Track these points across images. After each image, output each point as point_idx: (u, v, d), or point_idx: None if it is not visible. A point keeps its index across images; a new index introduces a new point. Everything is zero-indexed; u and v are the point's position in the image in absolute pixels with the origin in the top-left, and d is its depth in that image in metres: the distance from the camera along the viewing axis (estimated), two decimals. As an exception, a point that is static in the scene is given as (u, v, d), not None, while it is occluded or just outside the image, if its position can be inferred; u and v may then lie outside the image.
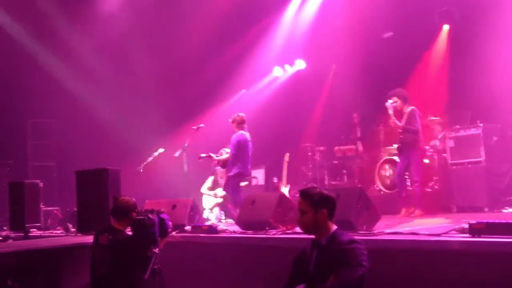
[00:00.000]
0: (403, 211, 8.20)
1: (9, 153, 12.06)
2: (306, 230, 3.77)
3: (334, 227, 3.69)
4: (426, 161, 9.11)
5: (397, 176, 8.56)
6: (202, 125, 9.41)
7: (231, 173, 8.96)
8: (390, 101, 8.35)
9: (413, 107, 8.38)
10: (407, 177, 9.15)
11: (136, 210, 5.22)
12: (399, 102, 8.41)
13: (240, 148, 8.94)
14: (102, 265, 4.96)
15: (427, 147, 9.69)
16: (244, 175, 9.06)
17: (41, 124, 13.21)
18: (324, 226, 3.67)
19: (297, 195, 3.96)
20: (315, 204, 3.67)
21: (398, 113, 8.46)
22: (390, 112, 8.35)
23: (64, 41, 12.13)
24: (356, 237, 3.73)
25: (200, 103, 12.35)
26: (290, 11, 13.10)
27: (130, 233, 5.20)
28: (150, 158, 10.93)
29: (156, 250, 4.95)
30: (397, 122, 8.39)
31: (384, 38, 11.49)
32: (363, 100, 11.12)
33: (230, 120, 9.13)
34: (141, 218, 4.95)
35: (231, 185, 8.99)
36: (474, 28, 9.46)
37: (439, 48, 10.74)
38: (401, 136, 8.40)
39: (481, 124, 8.59)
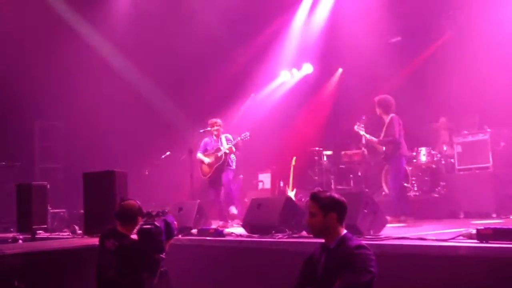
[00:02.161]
0: (402, 218, 8.19)
1: (17, 155, 12.10)
2: (314, 233, 3.76)
3: (344, 231, 3.68)
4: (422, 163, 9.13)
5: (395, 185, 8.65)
6: (209, 128, 9.43)
7: (234, 167, 9.12)
8: (356, 127, 8.67)
9: (393, 115, 8.38)
10: (407, 185, 9.18)
11: (142, 214, 5.22)
12: (378, 110, 8.52)
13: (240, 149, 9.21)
14: (108, 270, 4.95)
15: (434, 152, 9.69)
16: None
17: (48, 126, 13.25)
18: (333, 230, 3.66)
19: (307, 198, 3.96)
20: (325, 208, 3.66)
21: (382, 122, 8.55)
22: (362, 133, 8.65)
23: (71, 43, 12.16)
24: (364, 242, 3.72)
25: (207, 106, 12.36)
26: (298, 16, 13.13)
27: (135, 236, 5.20)
28: (157, 161, 11.00)
29: (163, 255, 4.96)
30: (372, 138, 8.55)
31: (392, 43, 11.48)
32: (371, 104, 11.10)
33: (219, 124, 9.34)
34: (148, 227, 4.95)
35: (232, 180, 9.18)
36: (481, 32, 9.43)
37: (445, 53, 10.70)
38: (384, 148, 8.47)
39: (489, 130, 8.57)
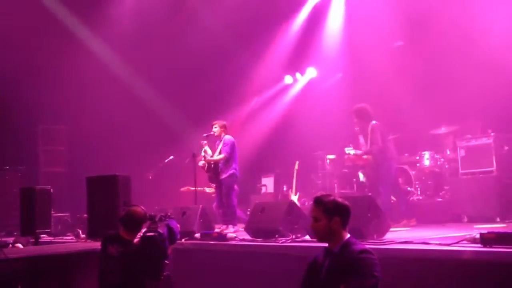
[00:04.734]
0: (404, 222, 8.24)
1: (21, 159, 12.12)
2: (318, 238, 3.76)
3: (348, 235, 3.68)
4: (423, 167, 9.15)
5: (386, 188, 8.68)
6: (212, 132, 9.43)
7: (226, 174, 8.97)
8: (346, 149, 8.97)
9: (373, 123, 8.51)
10: (410, 189, 9.18)
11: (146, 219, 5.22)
12: (358, 121, 8.69)
13: (233, 150, 9.05)
14: (111, 275, 4.95)
15: (437, 156, 9.67)
16: (237, 176, 9.12)
17: (52, 131, 13.28)
18: (337, 234, 3.66)
19: (310, 202, 3.97)
20: (329, 212, 3.65)
21: (365, 132, 8.67)
22: (352, 153, 8.91)
23: (75, 46, 12.21)
24: (368, 246, 3.71)
25: (211, 110, 12.39)
26: (302, 20, 13.15)
27: (137, 239, 5.20)
28: (160, 165, 11.02)
29: (166, 261, 4.97)
30: (357, 151, 8.84)
31: (395, 47, 11.48)
32: (374, 109, 11.10)
33: (216, 126, 9.16)
34: (151, 235, 4.95)
35: (229, 185, 9.00)
36: (484, 36, 9.42)
37: (448, 57, 10.69)
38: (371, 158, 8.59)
39: (493, 134, 8.54)
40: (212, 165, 9.03)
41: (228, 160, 8.97)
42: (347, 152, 8.83)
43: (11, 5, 11.44)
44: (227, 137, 9.11)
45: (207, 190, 10.71)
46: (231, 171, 8.97)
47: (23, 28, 11.58)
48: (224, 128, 9.21)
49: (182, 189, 10.57)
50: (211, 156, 9.07)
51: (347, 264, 3.48)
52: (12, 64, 11.65)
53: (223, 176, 8.97)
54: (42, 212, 8.91)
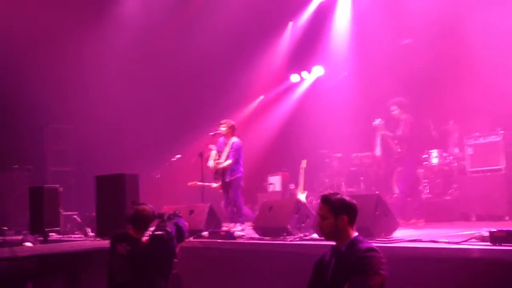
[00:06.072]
0: (412, 221, 8.25)
1: (29, 159, 12.19)
2: (325, 236, 3.75)
3: (355, 233, 3.66)
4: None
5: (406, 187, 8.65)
6: (219, 131, 9.41)
7: (234, 177, 8.95)
8: (378, 120, 8.98)
9: (408, 115, 8.70)
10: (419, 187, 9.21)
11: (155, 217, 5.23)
12: (398, 111, 8.82)
13: (240, 153, 8.99)
14: (120, 274, 4.96)
15: (445, 154, 9.63)
16: (242, 179, 9.12)
17: (60, 130, 13.32)
18: (344, 233, 3.65)
19: (317, 201, 3.95)
20: (336, 210, 3.64)
21: (397, 122, 8.84)
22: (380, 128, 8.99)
23: (82, 46, 12.25)
24: (375, 245, 3.70)
25: (217, 109, 12.40)
26: (308, 18, 13.13)
27: (146, 237, 5.21)
28: (167, 164, 11.04)
29: (175, 260, 4.98)
30: (388, 132, 8.93)
31: (403, 45, 11.43)
32: (383, 107, 11.07)
33: (224, 126, 9.02)
34: (160, 233, 4.96)
35: (236, 187, 8.98)
36: (492, 33, 9.37)
37: (456, 54, 10.64)
38: (399, 146, 8.63)
39: (501, 131, 8.50)
40: (220, 171, 9.03)
41: (235, 164, 8.96)
42: (374, 124, 8.94)
43: (16, 5, 11.51)
44: (235, 141, 8.97)
45: (214, 185, 10.63)
46: (238, 175, 8.96)
47: (30, 28, 11.64)
48: (232, 129, 9.06)
49: (189, 183, 10.53)
50: (218, 159, 9.02)
51: (353, 262, 3.47)
52: (20, 64, 11.71)
53: (231, 178, 8.96)
54: (51, 210, 8.94)
